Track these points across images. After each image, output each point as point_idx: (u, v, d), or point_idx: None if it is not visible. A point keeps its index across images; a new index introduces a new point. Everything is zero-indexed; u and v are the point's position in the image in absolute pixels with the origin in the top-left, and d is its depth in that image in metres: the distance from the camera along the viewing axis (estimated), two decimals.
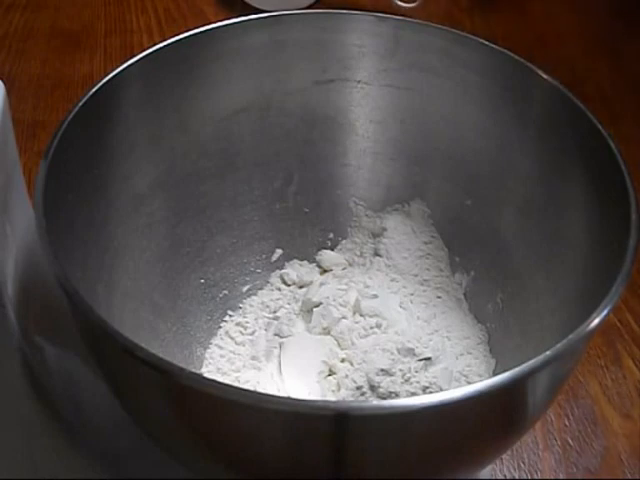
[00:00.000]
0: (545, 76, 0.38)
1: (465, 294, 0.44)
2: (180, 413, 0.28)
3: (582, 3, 0.77)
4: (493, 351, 0.41)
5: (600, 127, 0.34)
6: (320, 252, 0.46)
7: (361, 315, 0.41)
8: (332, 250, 0.47)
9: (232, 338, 0.42)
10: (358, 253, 0.46)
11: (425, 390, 0.38)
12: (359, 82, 0.43)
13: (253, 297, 0.45)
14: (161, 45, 0.38)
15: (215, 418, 0.27)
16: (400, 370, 0.38)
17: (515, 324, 0.40)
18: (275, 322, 0.43)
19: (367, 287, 0.42)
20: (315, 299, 0.42)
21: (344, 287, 0.42)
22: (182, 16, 0.74)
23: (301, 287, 0.45)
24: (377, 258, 0.45)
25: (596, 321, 0.27)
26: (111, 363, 0.30)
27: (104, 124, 0.36)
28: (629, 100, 0.66)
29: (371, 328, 0.40)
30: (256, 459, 0.28)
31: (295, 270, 0.45)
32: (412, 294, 0.43)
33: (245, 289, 0.45)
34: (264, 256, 0.46)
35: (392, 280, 0.44)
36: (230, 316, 0.44)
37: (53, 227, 0.29)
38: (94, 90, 0.35)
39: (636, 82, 0.68)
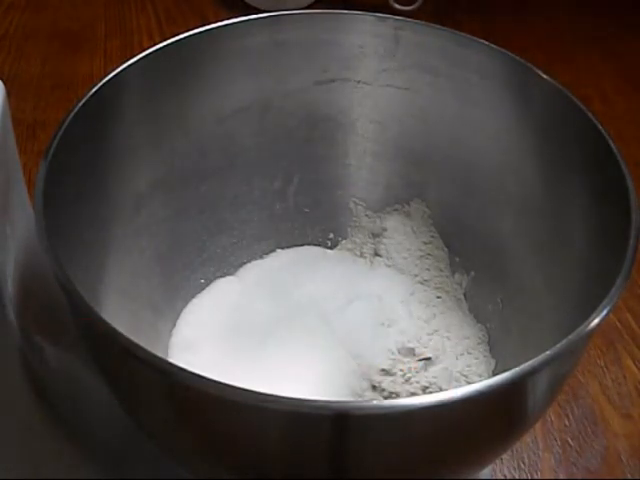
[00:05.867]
0: (545, 76, 0.38)
1: (465, 294, 0.44)
2: (180, 413, 0.28)
3: (582, 3, 0.78)
4: (493, 351, 0.41)
5: (600, 127, 0.34)
6: None
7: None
8: (332, 250, 0.47)
9: None
10: (358, 253, 0.46)
11: (425, 390, 0.38)
12: (359, 82, 0.43)
13: None
14: (161, 45, 0.38)
15: (215, 418, 0.27)
16: (400, 370, 0.38)
17: (515, 324, 0.40)
18: None
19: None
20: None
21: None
22: (182, 16, 0.74)
23: None
24: (377, 258, 0.45)
25: (596, 321, 0.27)
26: (111, 363, 0.30)
27: (104, 124, 0.36)
28: (629, 100, 0.66)
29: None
30: (256, 459, 0.28)
31: None
32: (412, 294, 0.43)
33: None
34: (264, 256, 0.46)
35: (392, 280, 0.44)
36: None
37: (53, 227, 0.29)
38: (94, 90, 0.35)
39: (636, 82, 0.68)
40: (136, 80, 0.37)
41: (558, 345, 0.26)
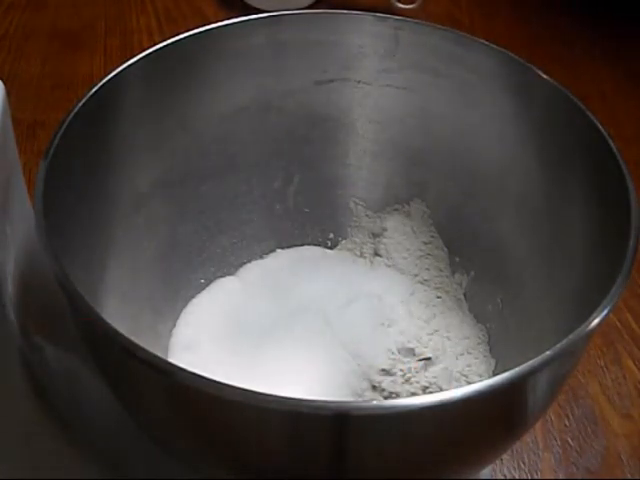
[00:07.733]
0: (545, 76, 0.38)
1: (465, 294, 0.44)
2: (180, 413, 0.28)
3: (582, 3, 0.77)
4: (493, 351, 0.41)
5: (600, 127, 0.34)
6: None
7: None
8: (332, 250, 0.47)
9: None
10: (358, 253, 0.46)
11: (425, 390, 0.38)
12: (359, 82, 0.43)
13: None
14: (161, 45, 0.38)
15: (215, 418, 0.27)
16: (400, 370, 0.38)
17: (515, 324, 0.40)
18: None
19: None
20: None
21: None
22: (182, 16, 0.74)
23: None
24: (377, 258, 0.45)
25: (596, 321, 0.27)
26: (111, 363, 0.30)
27: (104, 124, 0.36)
28: (629, 100, 0.66)
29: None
30: (256, 459, 0.28)
31: None
32: (412, 294, 0.43)
33: None
34: (264, 256, 0.46)
35: (392, 280, 0.44)
36: None
37: (53, 227, 0.29)
38: (94, 90, 0.35)
39: (636, 82, 0.68)
40: (136, 80, 0.37)
41: (558, 345, 0.26)
